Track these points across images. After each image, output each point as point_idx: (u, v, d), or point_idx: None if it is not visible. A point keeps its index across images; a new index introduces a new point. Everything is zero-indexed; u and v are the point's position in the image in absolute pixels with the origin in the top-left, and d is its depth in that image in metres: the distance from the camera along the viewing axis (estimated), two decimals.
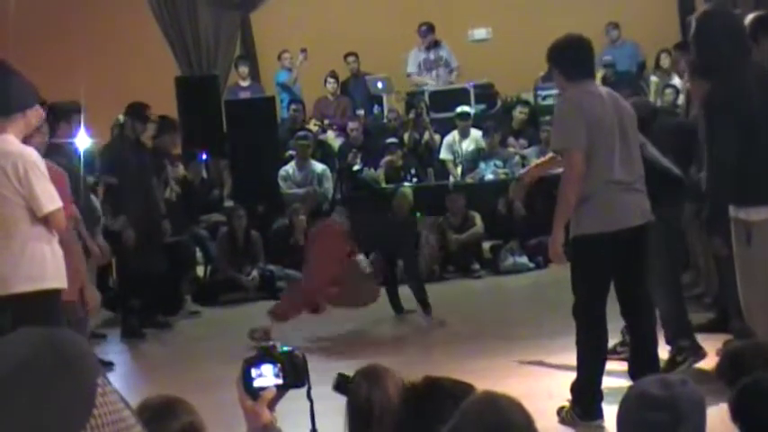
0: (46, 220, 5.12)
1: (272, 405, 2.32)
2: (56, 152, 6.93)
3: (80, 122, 7.96)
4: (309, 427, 2.53)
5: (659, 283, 5.93)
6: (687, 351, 6.07)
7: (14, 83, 5.17)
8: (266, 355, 2.34)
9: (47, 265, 5.12)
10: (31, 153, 5.13)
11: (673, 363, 6.04)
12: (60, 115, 7.57)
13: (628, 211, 5.27)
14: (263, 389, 2.32)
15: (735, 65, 5.08)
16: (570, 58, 5.40)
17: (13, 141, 5.10)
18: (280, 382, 2.33)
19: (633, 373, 5.34)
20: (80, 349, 1.18)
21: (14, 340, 1.17)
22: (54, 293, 5.16)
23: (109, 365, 7.47)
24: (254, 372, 2.33)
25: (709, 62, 5.23)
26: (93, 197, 8.82)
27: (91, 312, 6.33)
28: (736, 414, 2.72)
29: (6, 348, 1.16)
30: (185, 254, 10.18)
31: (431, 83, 13.55)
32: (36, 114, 5.23)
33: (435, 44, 13.66)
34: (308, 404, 2.45)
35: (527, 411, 1.97)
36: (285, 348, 2.37)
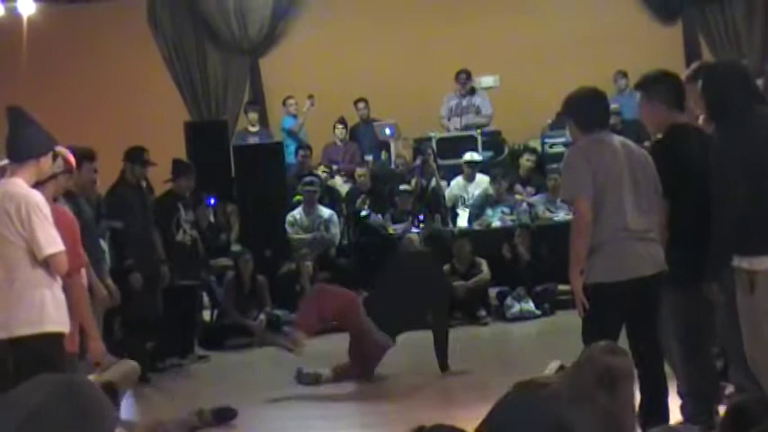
0: (47, 264, 5.13)
1: None
2: (67, 199, 6.91)
3: (94, 170, 7.90)
4: None
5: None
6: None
7: (29, 130, 5.23)
8: None
9: (46, 309, 5.12)
10: (35, 195, 5.15)
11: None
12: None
13: (640, 260, 5.22)
14: None
15: (742, 113, 5.09)
16: (584, 110, 5.42)
17: (20, 184, 5.14)
18: None
19: (642, 423, 5.29)
20: (97, 397, 1.17)
21: (32, 387, 1.16)
22: (54, 337, 5.15)
23: None
24: None
25: (716, 111, 5.23)
26: (101, 240, 8.78)
27: (94, 365, 6.26)
28: None
29: (24, 396, 1.14)
30: (196, 297, 10.15)
31: (454, 127, 13.59)
32: (48, 161, 5.29)
33: (471, 91, 13.76)
34: None
35: None
36: None
